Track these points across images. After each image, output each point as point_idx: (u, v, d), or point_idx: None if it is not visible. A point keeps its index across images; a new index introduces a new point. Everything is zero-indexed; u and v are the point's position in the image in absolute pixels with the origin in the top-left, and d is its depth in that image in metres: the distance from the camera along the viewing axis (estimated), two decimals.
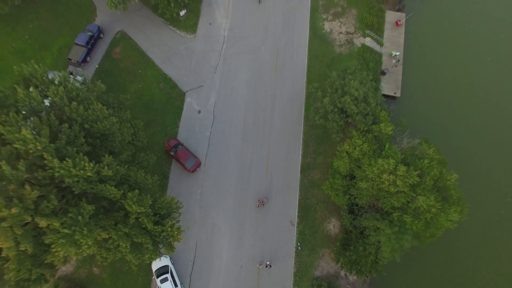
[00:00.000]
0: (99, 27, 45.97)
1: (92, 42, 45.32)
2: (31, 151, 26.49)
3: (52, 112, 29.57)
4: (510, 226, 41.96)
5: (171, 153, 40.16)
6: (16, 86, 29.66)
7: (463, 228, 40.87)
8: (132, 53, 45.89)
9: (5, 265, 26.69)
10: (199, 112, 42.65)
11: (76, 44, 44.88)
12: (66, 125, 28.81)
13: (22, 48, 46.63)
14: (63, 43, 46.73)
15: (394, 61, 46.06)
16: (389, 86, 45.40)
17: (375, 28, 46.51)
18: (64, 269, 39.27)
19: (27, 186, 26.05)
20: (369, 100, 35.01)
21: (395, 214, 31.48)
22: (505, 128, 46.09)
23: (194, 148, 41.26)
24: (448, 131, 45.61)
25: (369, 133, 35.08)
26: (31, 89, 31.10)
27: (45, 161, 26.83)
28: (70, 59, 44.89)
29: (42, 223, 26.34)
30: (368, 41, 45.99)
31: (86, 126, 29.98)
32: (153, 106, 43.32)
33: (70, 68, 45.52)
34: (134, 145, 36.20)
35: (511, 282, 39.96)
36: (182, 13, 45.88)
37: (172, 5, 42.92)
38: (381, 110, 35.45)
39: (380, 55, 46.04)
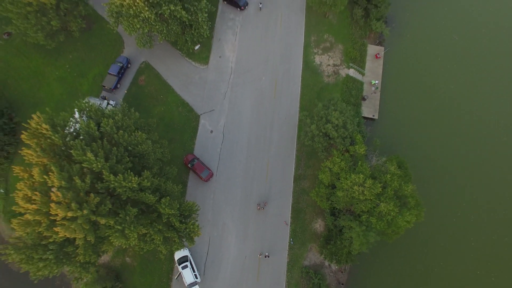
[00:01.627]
0: (127, 58, 56.83)
1: (122, 72, 56.22)
2: (94, 169, 37.41)
3: (105, 138, 40.50)
4: (464, 225, 52.62)
5: (189, 166, 51.06)
6: (81, 119, 40.45)
7: (426, 227, 51.74)
8: (155, 80, 56.78)
9: (77, 251, 37.66)
10: (211, 132, 53.53)
11: (109, 73, 55.72)
12: (115, 148, 39.76)
13: (64, 75, 57.57)
14: (97, 72, 57.67)
15: (373, 88, 56.75)
16: (369, 109, 56.12)
17: (358, 60, 57.25)
18: (103, 259, 50.23)
19: (91, 194, 36.97)
20: (347, 126, 45.78)
21: (363, 216, 42.32)
22: (466, 142, 56.67)
23: (208, 161, 52.15)
24: (418, 146, 56.32)
25: (347, 152, 45.88)
26: (84, 117, 42.11)
27: (104, 176, 37.77)
28: (104, 86, 55.79)
29: (102, 221, 37.27)
30: (352, 72, 56.73)
31: (129, 148, 40.91)
32: (173, 126, 54.22)
33: (104, 93, 56.47)
34: (161, 161, 47.10)
35: (462, 269, 50.66)
36: (197, 47, 56.64)
37: (189, 42, 53.76)
38: (357, 134, 46.20)
39: (361, 83, 56.77)
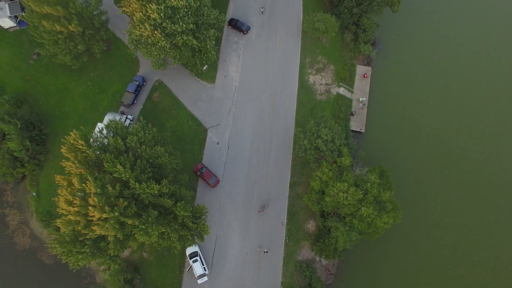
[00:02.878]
0: (143, 77, 65.40)
1: (138, 89, 64.79)
2: (122, 178, 46.07)
3: (130, 152, 49.15)
4: (438, 226, 61.18)
5: (198, 173, 59.72)
6: (109, 136, 49.07)
7: (405, 227, 60.30)
8: (167, 97, 65.36)
9: (108, 246, 46.40)
10: (218, 143, 62.15)
11: (127, 91, 64.28)
12: (139, 160, 48.40)
13: (86, 92, 66.18)
14: (116, 89, 66.26)
15: (361, 104, 65.26)
16: (356, 123, 64.67)
17: (347, 79, 65.75)
18: (123, 254, 59.00)
19: (120, 199, 45.62)
20: (335, 141, 54.36)
21: (347, 219, 50.98)
22: (442, 153, 65.13)
23: (214, 169, 60.78)
24: (400, 157, 64.89)
25: (335, 163, 54.50)
26: (111, 133, 50.78)
27: (130, 184, 46.42)
28: (122, 102, 64.38)
29: (129, 221, 45.93)
30: (342, 90, 65.26)
31: (150, 160, 49.56)
32: (184, 138, 62.84)
33: (122, 108, 65.06)
34: (175, 169, 55.74)
35: (436, 263, 59.31)
36: (205, 68, 65.13)
37: (198, 64, 62.29)
38: (344, 148, 54.71)
39: (350, 100, 65.31)
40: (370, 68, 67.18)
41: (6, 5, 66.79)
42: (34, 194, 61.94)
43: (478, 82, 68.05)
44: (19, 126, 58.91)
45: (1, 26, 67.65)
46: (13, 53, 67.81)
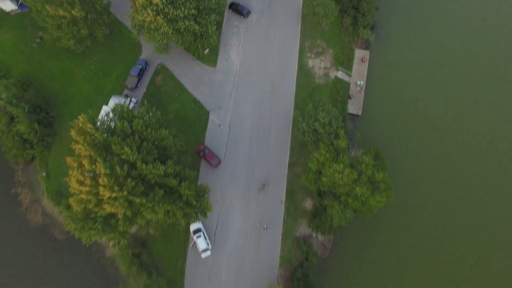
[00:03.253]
0: (146, 61, 67.11)
1: (142, 73, 66.64)
2: (130, 160, 48.94)
3: (136, 135, 51.79)
4: (429, 205, 64.56)
5: (201, 154, 62.61)
6: (116, 120, 51.55)
7: (398, 206, 63.68)
8: (170, 80, 67.31)
9: (118, 222, 49.90)
10: (219, 125, 64.68)
11: (131, 75, 66.14)
12: (145, 143, 51.12)
13: (90, 75, 68.08)
14: (119, 73, 68.10)
15: (358, 88, 67.32)
16: (354, 107, 66.97)
17: (346, 63, 67.50)
18: (131, 230, 62.65)
19: (128, 179, 48.61)
20: (332, 124, 56.92)
21: (342, 197, 54.30)
22: (437, 136, 67.72)
23: (216, 151, 63.61)
24: (396, 139, 67.48)
25: (331, 145, 57.28)
26: (117, 117, 53.25)
27: (137, 165, 49.33)
28: (126, 86, 66.38)
29: (137, 200, 49.17)
30: (340, 74, 67.17)
31: (156, 142, 52.28)
32: (186, 121, 65.30)
33: (126, 92, 67.09)
34: (179, 151, 58.54)
35: (426, 239, 63.18)
36: (206, 51, 66.69)
37: (200, 49, 63.89)
38: (341, 130, 57.30)
39: (348, 84, 67.31)
40: (368, 52, 68.78)
41: None
42: (44, 174, 65.04)
43: (477, 67, 69.69)
44: (27, 109, 61.29)
45: (3, 9, 68.76)
46: (16, 36, 69.24)
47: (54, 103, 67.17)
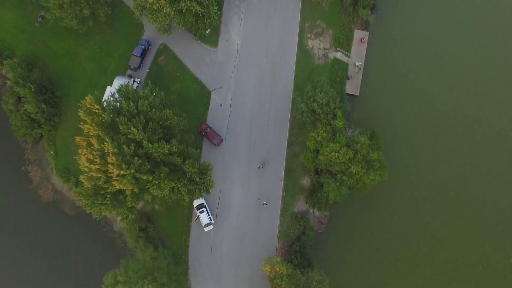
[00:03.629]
0: (148, 41, 68.31)
1: (144, 53, 68.01)
2: (136, 139, 51.52)
3: (141, 115, 54.08)
4: (422, 183, 67.82)
5: (203, 133, 65.18)
6: (122, 101, 53.68)
7: (392, 184, 66.81)
8: (172, 60, 68.79)
9: (126, 198, 53.15)
10: (221, 105, 66.85)
11: (134, 55, 67.53)
12: (150, 123, 53.51)
13: (93, 55, 69.46)
14: (122, 52, 69.46)
15: (357, 69, 68.92)
16: (352, 87, 68.86)
17: (345, 44, 68.73)
18: (137, 206, 66.26)
19: (135, 158, 51.39)
20: (330, 105, 59.12)
21: (338, 175, 57.37)
22: (431, 118, 69.97)
23: (218, 129, 66.13)
24: (392, 119, 69.81)
25: (329, 125, 59.73)
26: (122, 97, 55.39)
27: (143, 144, 51.98)
28: (129, 66, 67.95)
29: (143, 177, 52.16)
30: (339, 55, 68.57)
31: (160, 122, 54.65)
32: (189, 100, 67.38)
33: (129, 72, 68.72)
34: (182, 130, 61.01)
35: (416, 216, 66.97)
36: (207, 32, 67.76)
37: (202, 29, 65.00)
38: (338, 111, 59.54)
39: (347, 64, 68.86)
40: (367, 33, 69.81)
41: None
42: (52, 152, 67.85)
43: (481, 51, 70.63)
44: (33, 89, 63.17)
45: None
46: (18, 15, 69.89)
47: (58, 83, 68.91)
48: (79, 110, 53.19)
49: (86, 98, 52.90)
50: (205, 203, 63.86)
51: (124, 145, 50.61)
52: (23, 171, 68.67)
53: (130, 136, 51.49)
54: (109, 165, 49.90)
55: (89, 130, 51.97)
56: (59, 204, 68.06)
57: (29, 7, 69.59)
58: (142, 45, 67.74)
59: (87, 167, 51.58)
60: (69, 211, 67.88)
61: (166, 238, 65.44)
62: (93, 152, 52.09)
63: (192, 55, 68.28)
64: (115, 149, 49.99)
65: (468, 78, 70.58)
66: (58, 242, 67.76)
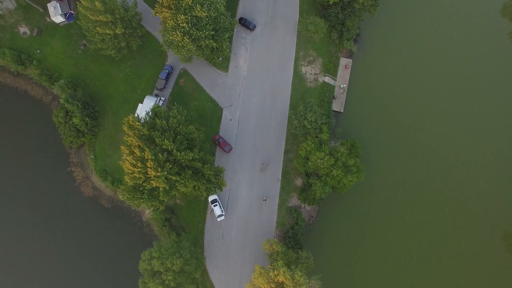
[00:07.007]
0: (171, 66, 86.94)
1: (168, 76, 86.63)
2: (168, 149, 70.27)
3: (171, 130, 72.82)
4: (394, 184, 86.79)
5: (216, 143, 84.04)
6: (157, 119, 72.36)
7: (370, 184, 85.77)
8: (191, 83, 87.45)
9: (159, 193, 71.96)
10: (231, 120, 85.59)
11: (160, 78, 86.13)
12: (178, 136, 72.27)
13: (126, 77, 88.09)
14: (149, 75, 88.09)
15: (342, 90, 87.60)
16: (337, 105, 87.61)
17: (332, 70, 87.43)
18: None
19: (167, 163, 70.15)
20: (317, 121, 77.90)
21: (323, 177, 76.31)
22: (405, 129, 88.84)
23: (228, 140, 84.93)
24: (371, 132, 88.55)
25: (316, 138, 78.61)
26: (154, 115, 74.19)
27: (173, 153, 70.71)
28: (156, 87, 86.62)
29: (173, 178, 70.95)
30: (327, 79, 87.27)
31: (186, 136, 73.43)
32: (205, 115, 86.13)
33: (156, 91, 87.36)
34: (200, 140, 79.72)
35: (391, 212, 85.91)
36: (220, 59, 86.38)
37: (216, 58, 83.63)
38: (324, 126, 78.20)
39: (333, 87, 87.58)
40: (351, 60, 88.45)
41: (58, 4, 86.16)
42: (92, 157, 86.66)
43: (441, 74, 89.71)
44: (80, 106, 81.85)
45: (55, 22, 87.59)
46: (65, 44, 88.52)
47: (97, 99, 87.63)
48: (123, 125, 71.84)
49: (129, 116, 71.61)
50: (218, 198, 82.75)
51: (159, 154, 69.41)
52: (69, 171, 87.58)
53: (163, 147, 70.32)
54: (148, 169, 68.74)
55: (132, 142, 70.73)
56: (97, 198, 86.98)
57: (74, 37, 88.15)
58: (166, 69, 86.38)
59: (131, 169, 70.41)
60: (106, 205, 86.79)
61: (186, 226, 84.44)
62: (135, 158, 70.88)
63: (207, 78, 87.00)
64: (153, 156, 68.80)
65: (433, 96, 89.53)
66: (97, 229, 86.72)
